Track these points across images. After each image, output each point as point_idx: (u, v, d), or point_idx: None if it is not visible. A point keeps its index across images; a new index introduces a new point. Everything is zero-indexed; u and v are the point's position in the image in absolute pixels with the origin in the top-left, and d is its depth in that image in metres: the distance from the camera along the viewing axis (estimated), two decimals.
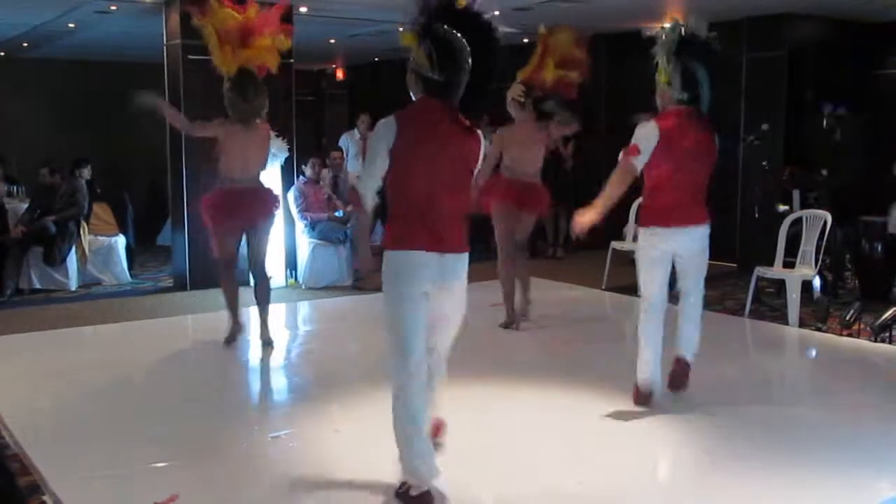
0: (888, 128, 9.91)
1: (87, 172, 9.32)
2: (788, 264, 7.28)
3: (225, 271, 6.16)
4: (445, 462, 3.93)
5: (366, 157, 3.59)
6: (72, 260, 8.67)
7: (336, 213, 9.02)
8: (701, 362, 4.94)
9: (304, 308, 7.95)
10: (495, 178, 6.54)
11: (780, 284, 7.53)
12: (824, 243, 7.09)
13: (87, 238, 8.86)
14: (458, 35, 3.46)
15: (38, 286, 8.50)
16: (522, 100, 6.54)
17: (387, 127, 3.48)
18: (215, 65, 5.96)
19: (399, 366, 3.51)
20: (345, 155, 10.18)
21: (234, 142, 5.89)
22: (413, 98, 3.65)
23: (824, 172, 8.97)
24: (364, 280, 8.24)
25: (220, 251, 6.08)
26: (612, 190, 4.58)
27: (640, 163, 4.54)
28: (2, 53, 12.71)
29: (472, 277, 7.24)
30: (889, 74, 10.05)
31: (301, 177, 8.96)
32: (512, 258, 6.59)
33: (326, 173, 9.28)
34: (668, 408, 4.74)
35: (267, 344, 6.20)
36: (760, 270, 7.27)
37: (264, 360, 6.13)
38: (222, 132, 5.90)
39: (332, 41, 11.88)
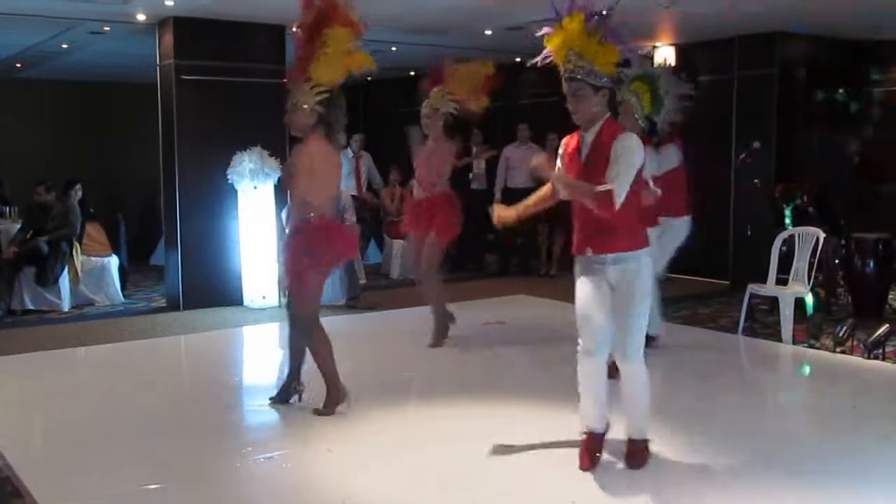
0: (879, 145, 9.96)
1: (78, 193, 9.31)
2: (781, 281, 7.28)
3: (319, 324, 5.01)
4: (442, 482, 3.91)
5: (626, 169, 3.82)
6: (64, 280, 8.64)
7: None
8: (696, 380, 4.91)
9: None
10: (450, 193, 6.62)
11: (774, 302, 7.53)
12: (817, 260, 7.10)
13: (79, 258, 8.83)
14: None
15: (30, 307, 8.47)
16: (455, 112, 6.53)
17: (642, 145, 3.91)
18: (314, 77, 4.83)
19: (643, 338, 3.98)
20: None
21: (332, 164, 5.01)
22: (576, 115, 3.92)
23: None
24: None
25: (316, 299, 5.01)
26: None
27: None
28: None
29: (465, 296, 7.22)
30: (880, 92, 10.12)
31: None
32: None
33: None
34: (664, 427, 4.73)
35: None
36: (753, 288, 7.27)
37: (257, 381, 6.10)
38: (313, 154, 4.86)
39: None
